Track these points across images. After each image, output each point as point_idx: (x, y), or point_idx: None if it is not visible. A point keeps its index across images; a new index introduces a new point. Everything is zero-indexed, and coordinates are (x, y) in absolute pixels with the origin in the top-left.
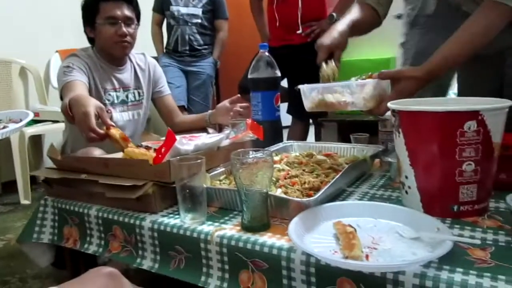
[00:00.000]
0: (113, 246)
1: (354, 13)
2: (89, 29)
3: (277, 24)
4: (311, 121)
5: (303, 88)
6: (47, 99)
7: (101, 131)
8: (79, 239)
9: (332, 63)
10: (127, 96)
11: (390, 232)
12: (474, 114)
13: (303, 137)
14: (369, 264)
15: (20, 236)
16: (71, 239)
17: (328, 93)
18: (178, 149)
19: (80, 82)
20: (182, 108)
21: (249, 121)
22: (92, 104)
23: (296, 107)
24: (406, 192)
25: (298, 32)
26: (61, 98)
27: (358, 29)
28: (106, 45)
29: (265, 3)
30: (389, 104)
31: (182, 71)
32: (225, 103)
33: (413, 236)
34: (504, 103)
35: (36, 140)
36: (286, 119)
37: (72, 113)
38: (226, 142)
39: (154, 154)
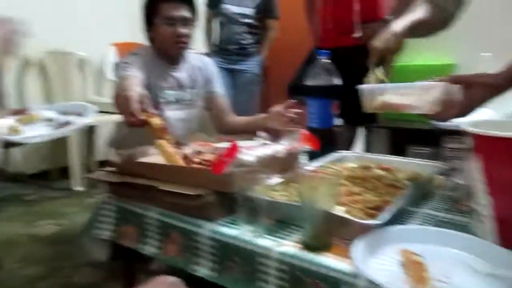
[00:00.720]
0: (169, 250)
1: (417, 13)
2: (148, 28)
3: (330, 25)
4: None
5: (364, 88)
6: (103, 91)
7: (141, 117)
8: (137, 239)
9: (381, 69)
10: (182, 95)
11: (461, 265)
12: None
13: (351, 143)
14: None
15: (82, 229)
16: (129, 238)
17: (393, 94)
18: (241, 160)
19: (134, 77)
20: None
21: (304, 131)
22: (136, 90)
23: (346, 111)
24: (479, 221)
25: (354, 35)
26: None
27: (419, 30)
28: (163, 45)
29: (317, 3)
30: (467, 127)
31: (228, 70)
32: (278, 108)
33: (488, 272)
34: None
35: (90, 130)
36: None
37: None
38: (282, 152)
39: (181, 161)
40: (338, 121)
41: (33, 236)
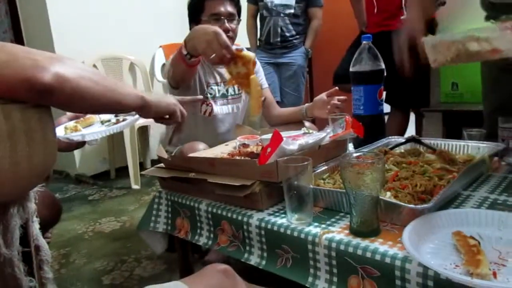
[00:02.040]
0: (222, 240)
1: None
2: (195, 25)
3: (375, 10)
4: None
5: (431, 39)
6: (152, 92)
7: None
8: (190, 231)
9: None
10: (227, 90)
11: None
12: None
13: (403, 128)
14: (503, 286)
15: (139, 224)
16: (183, 230)
17: (472, 40)
18: (284, 149)
19: None
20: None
21: (348, 118)
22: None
23: (396, 96)
24: None
25: (403, 17)
26: (170, 84)
27: None
28: None
29: None
30: None
31: (273, 64)
32: (322, 96)
33: None
34: None
35: (143, 130)
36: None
37: (188, 47)
38: (326, 140)
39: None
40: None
41: (98, 232)
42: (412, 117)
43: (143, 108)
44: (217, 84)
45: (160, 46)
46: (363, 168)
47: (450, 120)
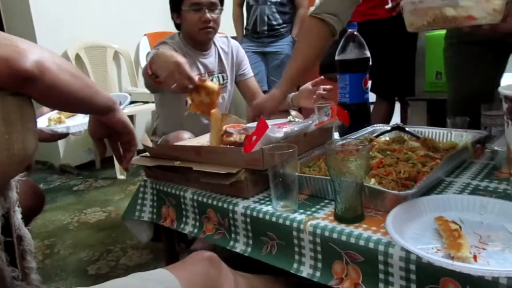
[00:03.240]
0: (207, 228)
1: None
2: (176, 15)
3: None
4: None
5: (409, 2)
6: (137, 81)
7: (197, 81)
8: (175, 220)
9: None
10: (211, 81)
11: (499, 231)
12: None
13: (388, 117)
14: (482, 268)
15: (124, 214)
16: (168, 219)
17: (448, 6)
18: (270, 137)
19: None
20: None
21: (334, 105)
22: (181, 56)
23: (381, 85)
24: None
25: (387, 7)
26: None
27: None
28: (191, 31)
29: None
30: (501, 90)
31: (260, 53)
32: (308, 85)
33: None
34: None
35: (129, 120)
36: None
37: (153, 70)
38: (312, 128)
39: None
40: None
41: (83, 223)
42: (398, 106)
43: (112, 111)
44: (200, 75)
45: (145, 35)
46: (348, 155)
47: (435, 109)
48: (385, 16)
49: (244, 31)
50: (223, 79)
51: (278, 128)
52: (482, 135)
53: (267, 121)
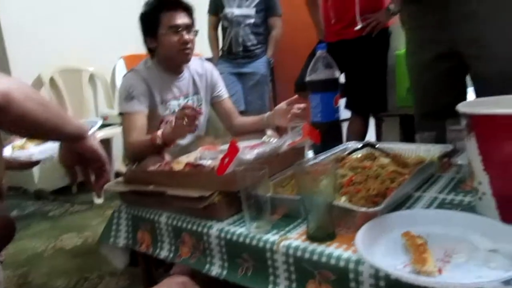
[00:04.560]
0: (183, 252)
1: None
2: (150, 39)
3: (333, 21)
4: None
5: None
6: (114, 104)
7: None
8: (151, 244)
9: None
10: (187, 103)
11: (464, 243)
12: None
13: (363, 133)
14: (443, 282)
15: (99, 239)
16: (144, 244)
17: None
18: (241, 159)
19: (139, 115)
20: (240, 113)
21: (306, 125)
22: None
23: (355, 101)
24: (480, 199)
25: (356, 28)
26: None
27: None
28: (170, 54)
29: None
30: (458, 107)
31: (236, 74)
32: (283, 105)
33: (490, 248)
34: None
35: (105, 143)
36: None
37: None
38: (284, 148)
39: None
40: (345, 113)
41: (58, 250)
42: (373, 121)
43: (82, 139)
44: (175, 98)
45: (122, 57)
46: (316, 175)
47: (407, 123)
48: (357, 35)
49: (220, 52)
50: (198, 101)
51: (250, 150)
52: (448, 149)
53: (240, 142)
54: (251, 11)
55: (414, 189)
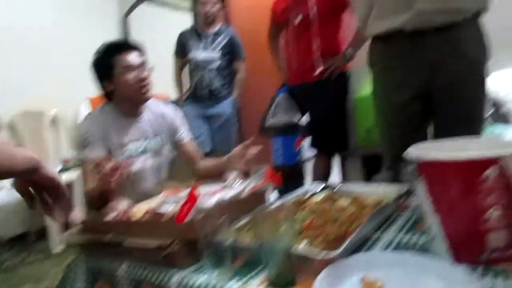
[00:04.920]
0: None
1: None
2: (107, 83)
3: (294, 65)
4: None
5: None
6: None
7: None
8: None
9: None
10: (147, 145)
11: (420, 285)
12: (493, 161)
13: (328, 171)
14: None
15: None
16: None
17: None
18: (201, 206)
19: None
20: (207, 154)
21: (267, 168)
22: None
23: (319, 141)
24: (433, 240)
25: (316, 72)
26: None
27: None
28: (128, 93)
29: (281, 43)
30: (406, 153)
31: (202, 116)
32: (238, 148)
33: None
34: None
35: (68, 187)
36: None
37: None
38: (246, 193)
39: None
40: (310, 153)
41: None
42: (338, 160)
43: (36, 171)
44: (134, 140)
45: (87, 98)
46: (276, 221)
47: (370, 163)
48: (317, 78)
49: (186, 94)
50: (160, 143)
51: (211, 196)
52: (404, 189)
53: (202, 187)
54: (216, 54)
55: (372, 230)
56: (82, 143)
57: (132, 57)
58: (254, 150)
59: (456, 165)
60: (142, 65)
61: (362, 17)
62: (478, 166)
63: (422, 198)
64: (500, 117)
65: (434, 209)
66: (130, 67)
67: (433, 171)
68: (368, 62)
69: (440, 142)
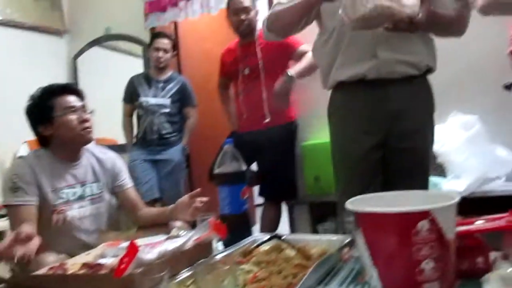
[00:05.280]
0: None
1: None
2: (44, 127)
3: (244, 115)
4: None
5: None
6: None
7: None
8: None
9: None
10: (84, 191)
11: None
12: (424, 214)
13: (276, 219)
14: None
15: None
16: None
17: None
18: (141, 259)
19: (25, 208)
20: (154, 200)
21: (212, 219)
22: None
23: (267, 189)
24: None
25: (265, 121)
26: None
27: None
28: (70, 135)
29: (232, 93)
30: (347, 204)
31: (151, 161)
32: (185, 198)
33: None
34: (452, 198)
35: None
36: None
37: None
38: (189, 244)
39: None
40: (259, 201)
41: None
42: (286, 208)
43: None
44: (70, 186)
45: (25, 142)
46: (218, 274)
47: (318, 211)
48: (267, 126)
49: (134, 139)
50: (99, 189)
51: (152, 248)
52: (347, 239)
53: (144, 238)
54: (167, 101)
55: (316, 282)
56: (10, 187)
57: (73, 99)
58: (200, 201)
59: (390, 217)
60: (83, 107)
61: (325, 66)
62: (411, 219)
63: (361, 250)
64: (435, 169)
65: (373, 261)
66: (71, 108)
67: (370, 223)
68: (328, 111)
69: (380, 194)
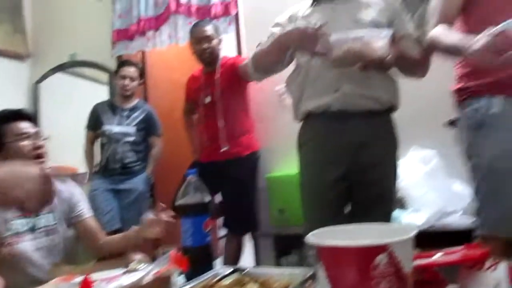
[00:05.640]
0: None
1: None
2: None
3: (205, 142)
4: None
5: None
6: None
7: None
8: None
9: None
10: (36, 222)
11: None
12: (383, 248)
13: (239, 251)
14: None
15: None
16: None
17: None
18: None
19: None
20: (115, 231)
21: (173, 252)
22: None
23: (229, 220)
24: None
25: (221, 150)
26: None
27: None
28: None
29: (195, 121)
30: (307, 238)
31: (113, 191)
32: (151, 216)
33: None
34: (409, 232)
35: None
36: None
37: None
38: (149, 278)
39: None
40: (222, 232)
41: None
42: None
43: None
44: (20, 216)
45: None
46: None
47: (281, 243)
48: (225, 158)
49: (97, 168)
50: (53, 219)
51: (107, 283)
52: (309, 273)
53: (99, 272)
54: (131, 129)
55: None
56: None
57: (25, 126)
58: (165, 217)
59: (349, 251)
60: (36, 133)
61: (296, 98)
62: (369, 252)
63: (322, 283)
64: (396, 202)
65: None
66: (23, 135)
67: (330, 257)
68: (297, 142)
69: (343, 227)
